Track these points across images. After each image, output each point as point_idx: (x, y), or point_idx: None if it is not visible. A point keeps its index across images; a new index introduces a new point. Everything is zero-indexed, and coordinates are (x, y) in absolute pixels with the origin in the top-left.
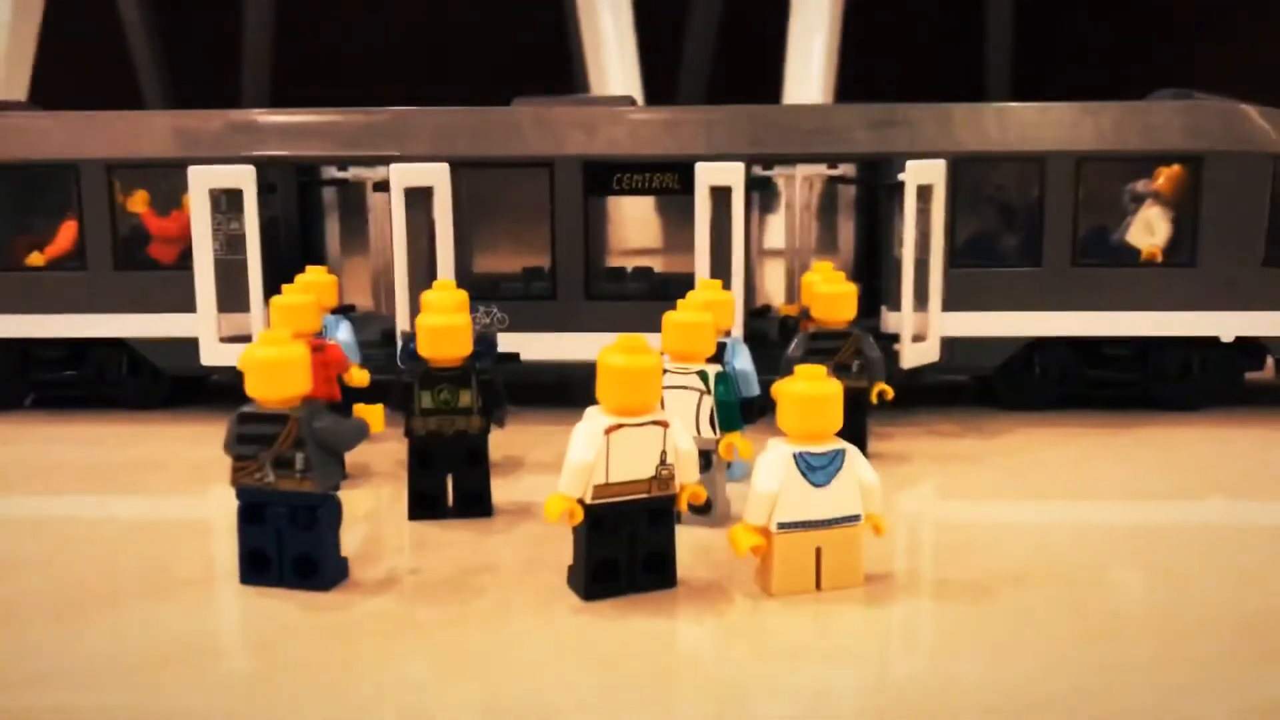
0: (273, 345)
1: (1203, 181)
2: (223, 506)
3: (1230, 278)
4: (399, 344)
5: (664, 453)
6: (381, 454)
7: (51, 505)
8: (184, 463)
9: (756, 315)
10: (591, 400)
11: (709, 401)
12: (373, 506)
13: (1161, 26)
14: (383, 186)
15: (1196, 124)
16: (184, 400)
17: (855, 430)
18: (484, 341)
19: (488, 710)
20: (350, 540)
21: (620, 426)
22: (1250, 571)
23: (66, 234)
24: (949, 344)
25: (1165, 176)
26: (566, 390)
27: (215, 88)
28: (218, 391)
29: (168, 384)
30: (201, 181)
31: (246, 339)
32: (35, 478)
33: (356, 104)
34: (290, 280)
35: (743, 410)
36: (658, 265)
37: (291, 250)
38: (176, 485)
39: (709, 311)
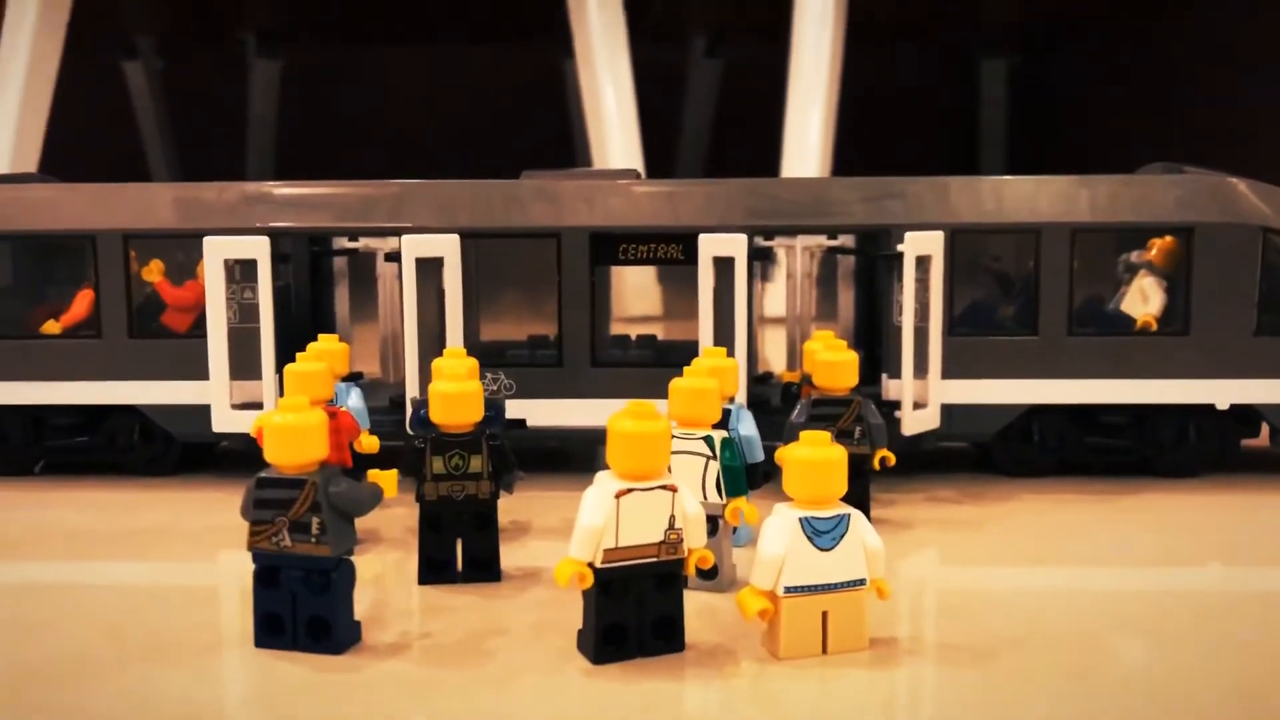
0: (291, 411)
1: (1194, 252)
2: (233, 572)
3: (1223, 346)
4: (409, 410)
5: (672, 517)
6: (389, 519)
7: (62, 570)
8: (194, 529)
9: (759, 382)
10: (592, 467)
11: (715, 467)
12: (382, 571)
13: (1153, 100)
14: (393, 256)
15: (1187, 197)
16: (194, 467)
17: (858, 496)
18: (493, 408)
19: None
20: (361, 604)
21: (630, 491)
22: (1248, 637)
23: (82, 302)
24: (948, 411)
25: (1158, 247)
26: (567, 457)
27: (221, 159)
28: (227, 458)
29: (179, 450)
30: (217, 251)
31: (257, 406)
32: (46, 543)
33: (361, 177)
34: (301, 348)
35: (747, 475)
36: (661, 333)
37: (302, 318)
38: (187, 551)
39: (714, 378)
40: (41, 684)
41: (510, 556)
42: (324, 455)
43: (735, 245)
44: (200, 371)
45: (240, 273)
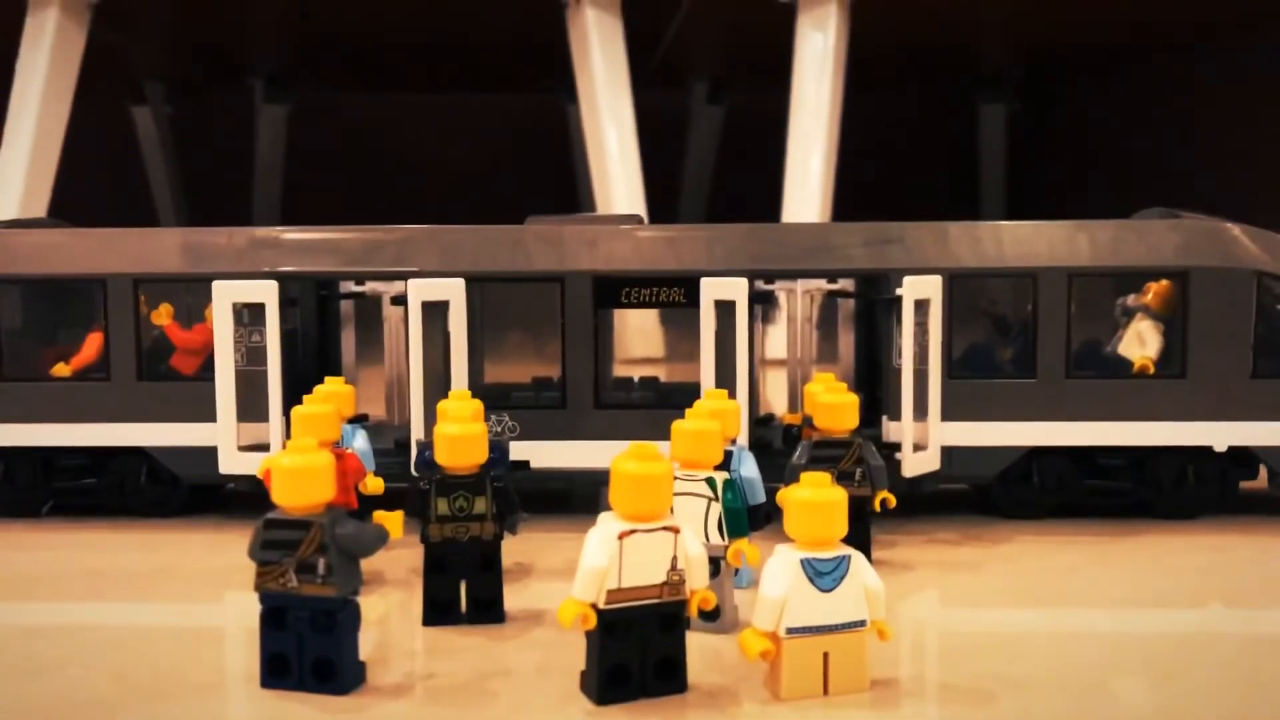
0: (300, 453)
1: (1190, 296)
2: (238, 612)
3: (1220, 389)
4: (414, 452)
5: (675, 558)
6: (392, 560)
7: (68, 611)
8: (200, 570)
9: (761, 424)
10: (595, 508)
11: (717, 508)
12: (386, 612)
13: (1151, 145)
14: (399, 300)
15: (1183, 241)
16: (200, 509)
17: (859, 537)
18: (498, 449)
19: None
20: (366, 645)
21: (633, 532)
22: (1250, 678)
23: (91, 345)
24: (948, 453)
25: (1154, 291)
26: (571, 498)
27: (228, 204)
28: (233, 500)
29: (185, 492)
30: (225, 295)
31: (264, 448)
32: (52, 584)
33: (366, 222)
34: (308, 390)
35: (749, 517)
36: (663, 375)
37: (309, 361)
38: (193, 592)
39: (716, 420)
40: None
41: (514, 598)
42: (331, 497)
43: (736, 289)
44: (208, 413)
45: (248, 316)
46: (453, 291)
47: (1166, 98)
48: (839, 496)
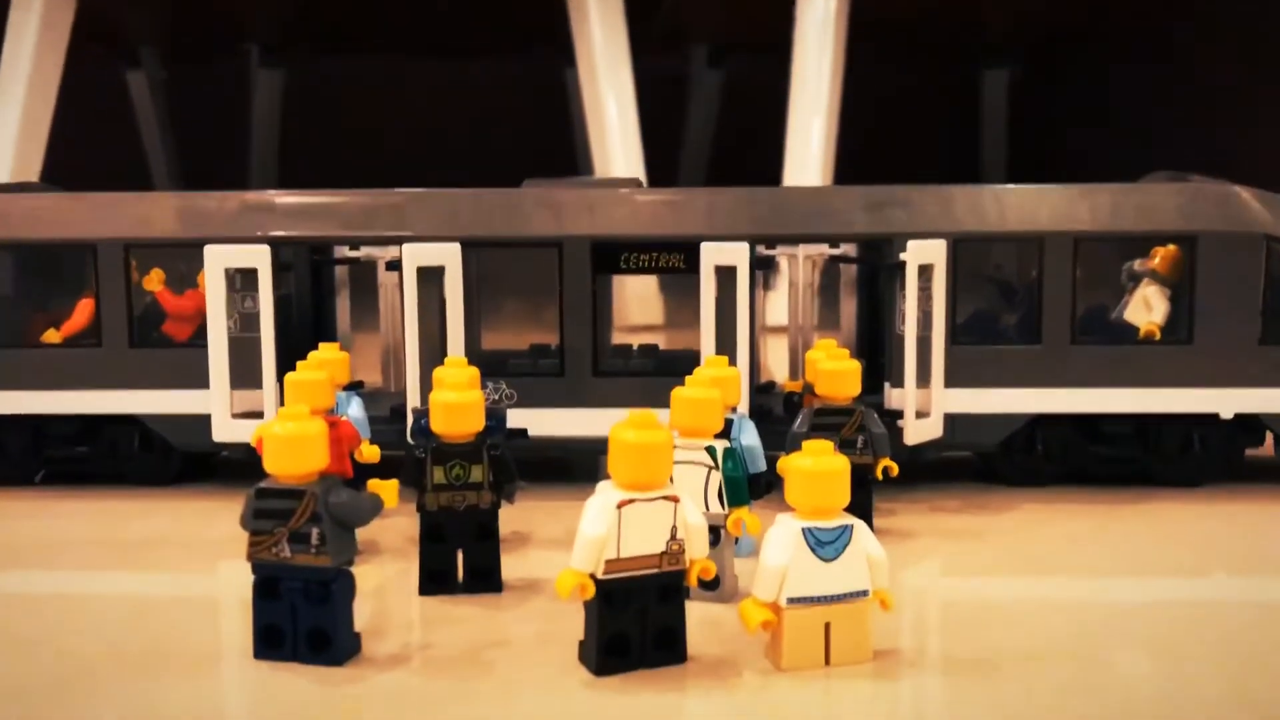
0: (291, 421)
1: (1197, 261)
2: (232, 583)
3: (1227, 355)
4: (410, 420)
5: (674, 527)
6: (389, 530)
7: (60, 581)
8: (194, 539)
9: (761, 391)
10: (593, 477)
11: (717, 477)
12: (382, 582)
13: (1156, 108)
14: (394, 265)
15: (1191, 205)
16: (194, 477)
17: (861, 506)
18: (495, 417)
19: None
20: (361, 615)
21: (632, 501)
22: (1254, 647)
23: (82, 312)
24: (951, 420)
25: (1161, 256)
26: (569, 467)
27: (222, 169)
28: (227, 468)
29: (179, 460)
30: (218, 261)
31: (258, 415)
32: (44, 553)
33: (362, 186)
34: (302, 357)
35: (750, 486)
36: (662, 342)
37: (303, 327)
38: (186, 561)
39: (717, 388)
40: (39, 695)
41: (511, 567)
42: (324, 465)
43: (737, 254)
44: (200, 381)
45: (241, 282)
46: (448, 256)
47: (1172, 61)
48: (841, 465)
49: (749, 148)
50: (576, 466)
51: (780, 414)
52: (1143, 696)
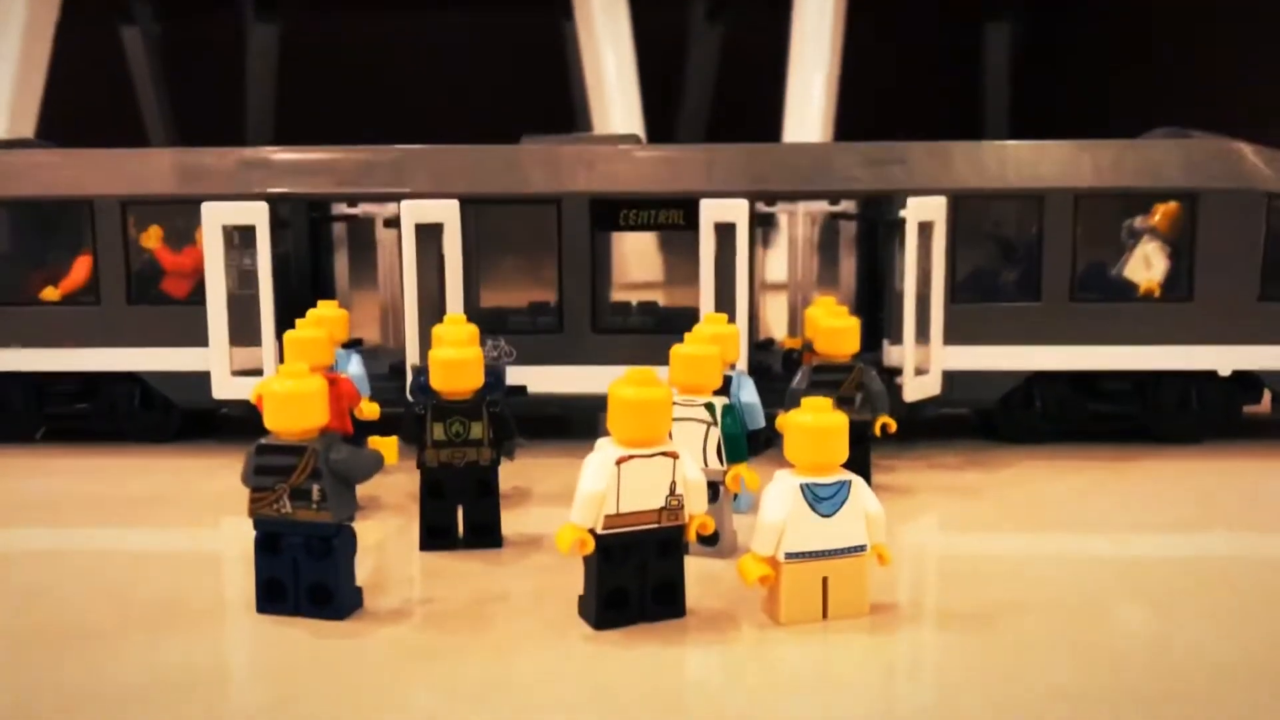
0: (291, 378)
1: (1198, 218)
2: (234, 538)
3: (1226, 312)
4: (409, 377)
5: (673, 483)
6: (389, 486)
7: (63, 537)
8: (195, 495)
9: (760, 348)
10: (593, 434)
11: (716, 433)
12: (383, 537)
13: (1159, 64)
14: (393, 222)
15: (1192, 161)
16: (194, 434)
17: (859, 462)
18: (494, 374)
19: None
20: (362, 571)
21: (631, 457)
22: (1251, 603)
23: (80, 269)
24: (950, 377)
25: (1162, 213)
26: (568, 424)
27: (219, 125)
28: (227, 425)
29: (179, 417)
30: (215, 218)
31: (257, 372)
32: (47, 510)
33: (360, 143)
34: (301, 314)
35: (748, 442)
36: (662, 299)
37: (302, 285)
38: (188, 518)
39: (715, 345)
40: (43, 650)
41: (511, 523)
42: (324, 422)
43: (737, 211)
44: (200, 338)
45: (239, 239)
46: (447, 213)
47: (1175, 14)
48: (839, 421)
49: (749, 102)
50: (576, 423)
51: (779, 371)
52: (1140, 650)
